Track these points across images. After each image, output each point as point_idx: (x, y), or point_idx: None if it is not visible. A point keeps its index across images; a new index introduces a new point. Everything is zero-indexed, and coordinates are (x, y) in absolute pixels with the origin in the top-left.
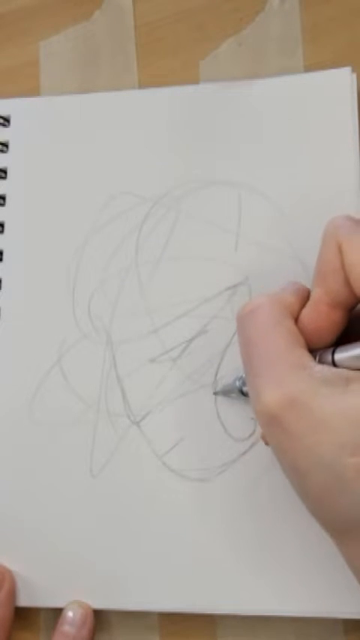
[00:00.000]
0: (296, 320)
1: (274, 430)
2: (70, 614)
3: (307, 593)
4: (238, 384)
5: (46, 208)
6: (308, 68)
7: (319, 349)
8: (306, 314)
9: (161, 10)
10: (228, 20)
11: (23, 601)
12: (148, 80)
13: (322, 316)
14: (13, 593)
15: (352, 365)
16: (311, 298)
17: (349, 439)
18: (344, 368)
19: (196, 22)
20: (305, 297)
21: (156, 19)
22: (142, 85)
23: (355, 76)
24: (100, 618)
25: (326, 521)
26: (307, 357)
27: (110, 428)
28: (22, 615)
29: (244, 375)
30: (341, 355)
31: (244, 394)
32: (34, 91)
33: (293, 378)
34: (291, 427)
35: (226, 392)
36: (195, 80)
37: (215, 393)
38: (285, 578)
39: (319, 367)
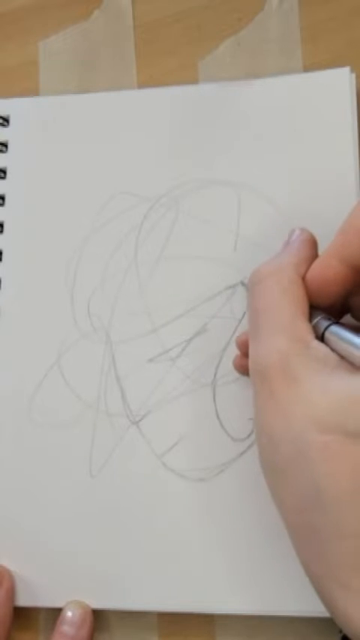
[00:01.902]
0: (304, 279)
1: (264, 390)
2: (69, 613)
3: (306, 593)
4: None
5: (46, 208)
6: (307, 68)
7: (320, 312)
8: (315, 266)
9: (160, 10)
10: (227, 20)
11: (22, 601)
12: (147, 80)
13: (330, 269)
14: (12, 593)
15: (337, 348)
16: (325, 250)
17: (322, 416)
18: (329, 347)
19: (195, 22)
20: (312, 250)
21: (155, 19)
22: (140, 85)
23: (354, 75)
24: (99, 618)
25: (285, 496)
26: (307, 331)
27: (109, 428)
28: (22, 615)
29: None
30: (332, 337)
31: None
32: (33, 90)
33: (291, 348)
34: (278, 392)
35: None
36: (194, 80)
37: None
38: (284, 578)
39: (315, 343)
